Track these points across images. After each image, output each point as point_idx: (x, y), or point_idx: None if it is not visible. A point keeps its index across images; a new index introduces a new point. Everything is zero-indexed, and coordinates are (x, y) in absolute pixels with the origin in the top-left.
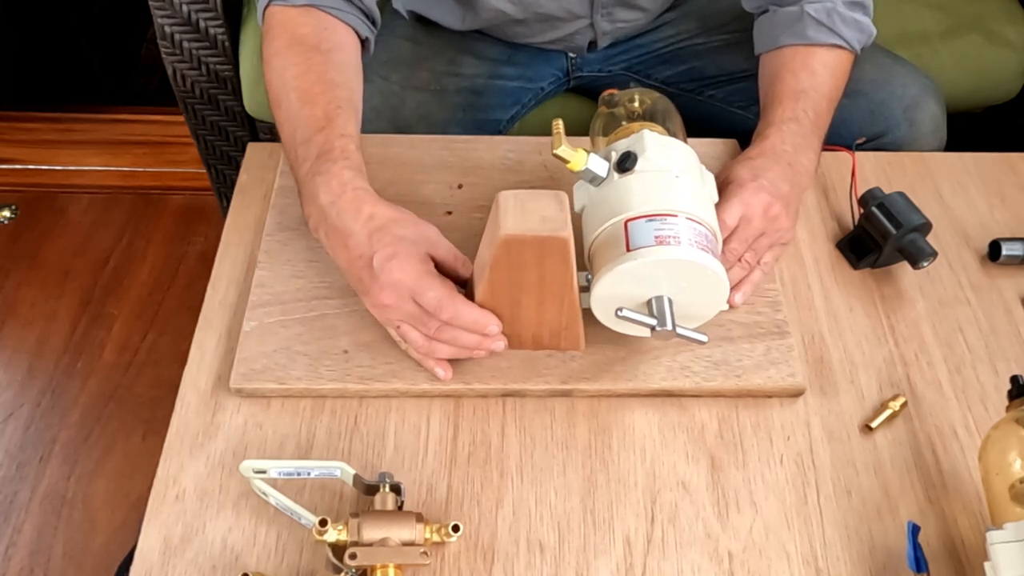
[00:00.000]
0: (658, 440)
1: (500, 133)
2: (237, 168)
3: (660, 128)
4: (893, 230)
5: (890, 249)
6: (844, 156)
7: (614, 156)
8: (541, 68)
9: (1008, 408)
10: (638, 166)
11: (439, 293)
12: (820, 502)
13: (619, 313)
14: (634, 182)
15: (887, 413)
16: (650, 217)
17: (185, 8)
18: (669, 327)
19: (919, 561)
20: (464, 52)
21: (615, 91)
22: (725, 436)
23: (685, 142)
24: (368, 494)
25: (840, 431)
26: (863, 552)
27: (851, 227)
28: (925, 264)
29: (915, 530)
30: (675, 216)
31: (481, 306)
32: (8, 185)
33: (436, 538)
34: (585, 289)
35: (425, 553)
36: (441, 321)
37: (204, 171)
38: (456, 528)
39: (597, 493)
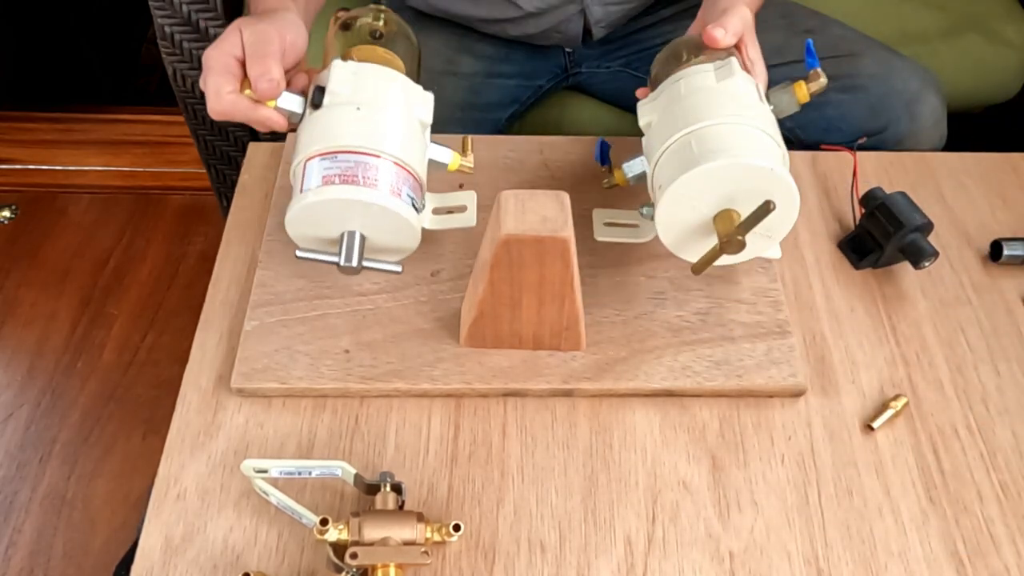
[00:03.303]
0: (659, 440)
1: (499, 132)
2: (237, 168)
3: (391, 54)
4: (894, 230)
5: (891, 249)
6: (845, 156)
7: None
8: (539, 65)
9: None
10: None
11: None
12: (821, 502)
13: (297, 254)
14: (322, 118)
15: (889, 413)
16: (324, 155)
17: (185, 8)
18: (354, 264)
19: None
20: (461, 51)
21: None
22: (726, 436)
23: (418, 74)
24: (369, 494)
25: (841, 431)
26: (864, 552)
27: (852, 227)
28: (926, 264)
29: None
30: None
31: (481, 305)
32: (8, 185)
33: (437, 537)
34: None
35: (426, 552)
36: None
37: (204, 171)
38: (457, 528)
39: (598, 493)
